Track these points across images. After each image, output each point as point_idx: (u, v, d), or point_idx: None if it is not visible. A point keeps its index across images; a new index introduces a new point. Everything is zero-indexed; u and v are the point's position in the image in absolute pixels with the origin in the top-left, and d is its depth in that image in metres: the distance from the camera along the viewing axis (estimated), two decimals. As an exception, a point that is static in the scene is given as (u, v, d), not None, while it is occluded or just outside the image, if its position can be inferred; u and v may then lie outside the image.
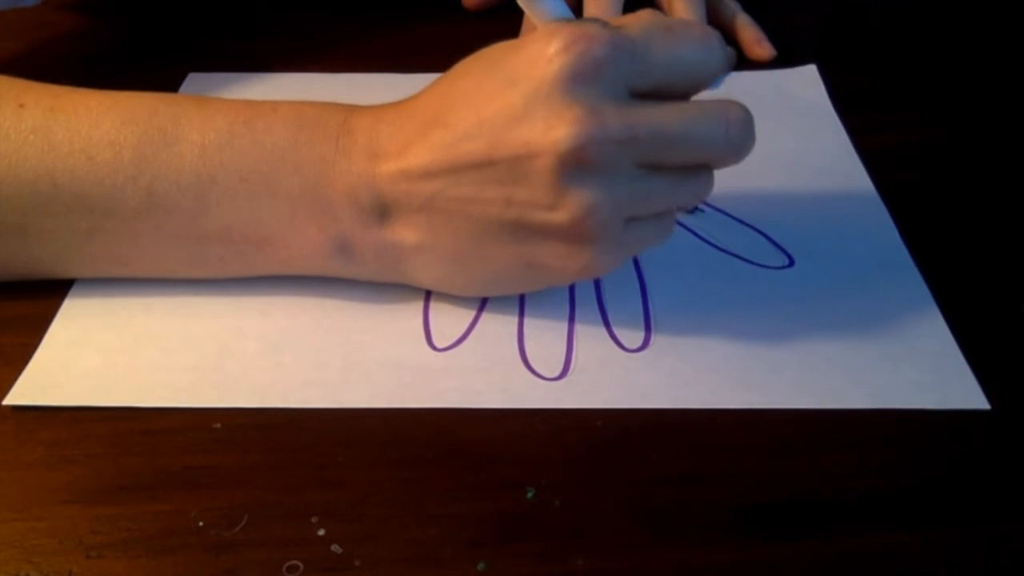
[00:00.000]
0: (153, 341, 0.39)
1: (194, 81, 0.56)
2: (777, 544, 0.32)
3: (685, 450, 0.35)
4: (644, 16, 0.36)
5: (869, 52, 0.61)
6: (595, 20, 0.35)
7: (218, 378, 0.37)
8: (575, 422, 0.36)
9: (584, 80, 0.33)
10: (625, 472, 0.34)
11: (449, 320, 0.40)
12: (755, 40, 0.59)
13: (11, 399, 0.36)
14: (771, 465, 0.34)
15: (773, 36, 0.59)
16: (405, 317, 0.40)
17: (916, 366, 0.38)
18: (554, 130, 0.33)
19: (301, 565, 0.31)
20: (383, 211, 0.37)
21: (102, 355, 0.38)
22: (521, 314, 0.40)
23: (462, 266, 0.38)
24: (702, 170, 0.36)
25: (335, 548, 0.31)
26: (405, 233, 0.37)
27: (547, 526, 0.32)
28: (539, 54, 0.34)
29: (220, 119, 0.38)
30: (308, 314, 0.40)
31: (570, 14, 0.36)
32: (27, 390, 0.36)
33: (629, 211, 0.35)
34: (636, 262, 0.43)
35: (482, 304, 0.41)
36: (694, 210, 0.46)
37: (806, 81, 0.57)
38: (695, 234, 0.45)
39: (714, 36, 0.36)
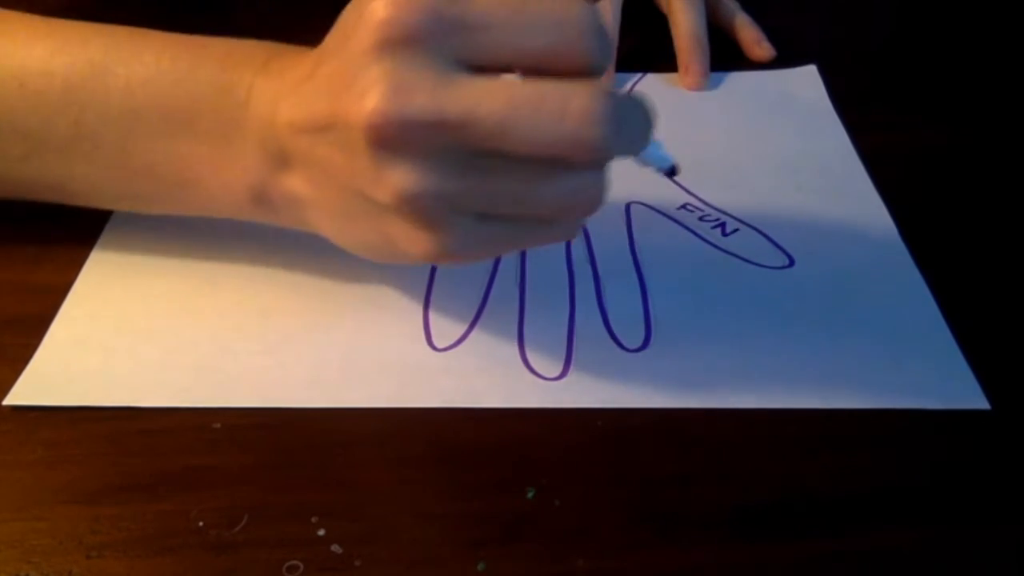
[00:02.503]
0: (153, 341, 0.39)
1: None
2: (777, 544, 0.32)
3: (685, 450, 0.35)
4: None
5: (869, 52, 0.61)
6: None
7: (218, 378, 0.37)
8: (575, 422, 0.36)
9: (397, 48, 0.30)
10: (625, 472, 0.34)
11: (449, 320, 0.40)
12: (755, 40, 0.59)
13: (11, 399, 0.36)
14: (771, 465, 0.34)
15: (773, 36, 0.59)
16: (405, 317, 0.40)
17: (916, 366, 0.38)
18: (360, 102, 0.30)
19: (301, 565, 0.31)
20: (284, 159, 0.36)
21: (102, 355, 0.38)
22: (521, 314, 0.40)
23: (343, 227, 0.36)
24: (575, 169, 0.31)
25: (335, 548, 0.31)
26: (299, 184, 0.36)
27: (547, 526, 0.32)
28: (363, 13, 0.31)
29: (148, 54, 0.38)
30: (308, 314, 0.40)
31: None
32: (27, 390, 0.36)
33: (466, 205, 0.32)
34: (636, 262, 0.43)
35: (482, 304, 0.41)
36: (671, 172, 0.37)
37: (806, 81, 0.57)
38: (695, 234, 0.45)
39: (577, 21, 0.30)
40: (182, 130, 0.37)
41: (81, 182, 0.39)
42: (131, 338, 0.39)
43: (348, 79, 0.31)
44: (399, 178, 0.31)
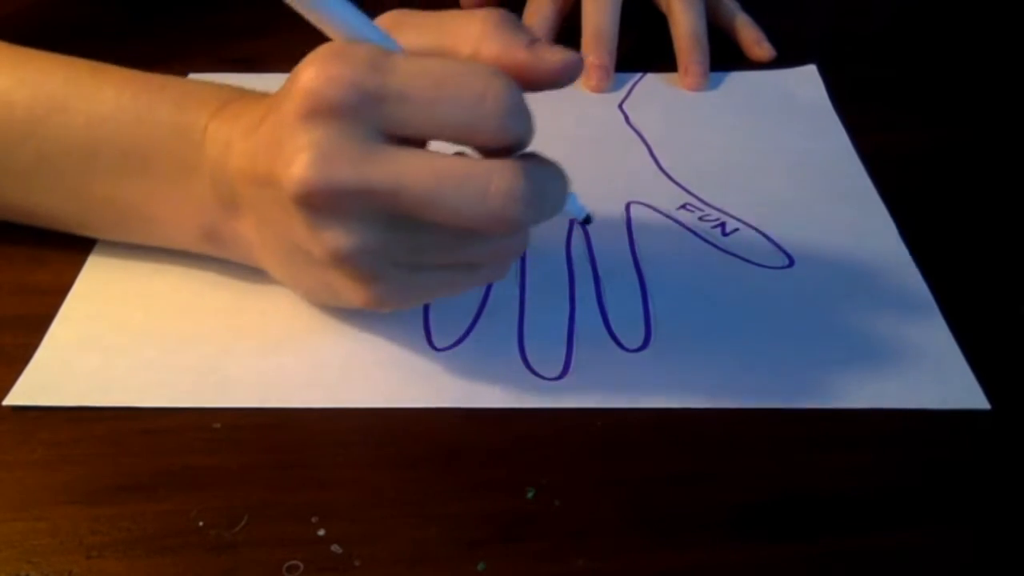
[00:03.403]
0: (153, 341, 0.39)
1: (194, 81, 0.56)
2: (777, 544, 0.32)
3: (685, 450, 0.35)
4: (437, 59, 0.32)
5: (869, 52, 0.61)
6: (360, 54, 0.31)
7: (218, 378, 0.37)
8: (575, 422, 0.36)
9: (320, 119, 0.31)
10: (625, 472, 0.34)
11: (449, 320, 0.40)
12: (755, 41, 0.59)
13: (11, 399, 0.36)
14: (771, 465, 0.34)
15: (773, 36, 0.59)
16: (405, 317, 0.40)
17: (916, 366, 0.38)
18: (288, 168, 0.31)
19: (301, 565, 0.31)
20: (234, 203, 0.37)
21: (102, 355, 0.38)
22: (521, 314, 0.40)
23: (287, 272, 0.38)
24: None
25: (335, 548, 0.31)
26: (247, 228, 0.37)
27: (547, 526, 0.32)
28: (294, 80, 0.32)
29: (109, 89, 0.39)
30: (308, 314, 0.40)
31: (365, 30, 0.32)
32: (27, 390, 0.36)
33: (398, 258, 0.33)
34: (636, 262, 0.43)
35: (482, 304, 0.41)
36: (585, 221, 0.40)
37: (806, 81, 0.57)
38: (695, 234, 0.45)
39: (495, 98, 0.31)
40: (139, 168, 0.38)
41: (43, 209, 0.41)
42: (131, 338, 0.39)
43: (280, 142, 0.32)
44: (330, 238, 0.32)
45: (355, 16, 0.32)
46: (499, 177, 0.31)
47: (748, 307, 0.41)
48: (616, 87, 0.56)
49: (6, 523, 0.32)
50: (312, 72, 0.31)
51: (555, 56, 0.32)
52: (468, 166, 0.31)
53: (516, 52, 0.32)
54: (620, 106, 0.55)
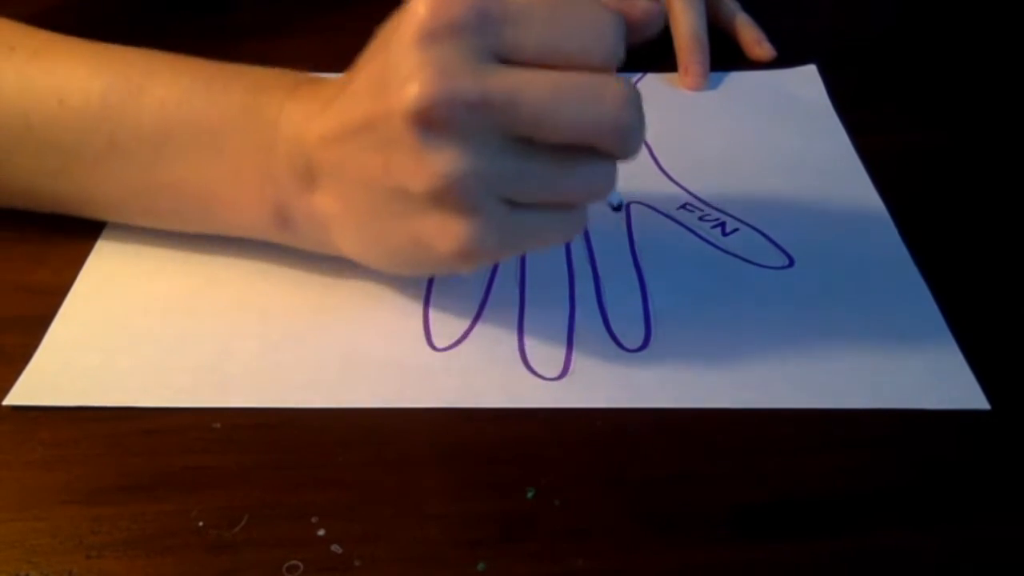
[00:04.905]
0: (153, 341, 0.39)
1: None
2: (777, 544, 0.32)
3: (685, 450, 0.35)
4: None
5: (869, 52, 0.61)
6: None
7: (218, 378, 0.37)
8: (575, 422, 0.36)
9: (439, 39, 0.31)
10: (625, 472, 0.34)
11: (449, 320, 0.40)
12: (755, 40, 0.59)
13: (11, 399, 0.36)
14: (771, 465, 0.34)
15: (773, 36, 0.59)
16: (405, 317, 0.40)
17: (916, 366, 0.38)
18: (404, 88, 0.32)
19: (301, 565, 0.31)
20: (311, 175, 0.37)
21: (102, 355, 0.38)
22: (521, 314, 0.40)
23: (369, 238, 0.37)
24: (595, 158, 0.34)
25: (335, 548, 0.31)
26: (326, 200, 0.37)
27: (547, 526, 0.32)
28: (406, 13, 0.32)
29: (185, 77, 0.39)
30: (308, 314, 0.40)
31: None
32: (27, 390, 0.36)
33: (503, 188, 0.33)
34: (636, 262, 0.43)
35: (482, 304, 0.41)
36: (618, 207, 0.43)
37: (806, 81, 0.57)
38: (695, 234, 0.45)
39: (608, 23, 0.33)
40: (211, 149, 0.38)
41: (108, 197, 0.41)
42: (131, 338, 0.39)
43: (389, 75, 0.32)
44: (440, 160, 0.32)
45: None
46: (612, 85, 0.32)
47: (748, 307, 0.41)
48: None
49: (6, 523, 0.32)
50: (426, 1, 0.32)
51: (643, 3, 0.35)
52: (581, 77, 0.32)
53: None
54: (620, 106, 0.55)
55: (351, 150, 0.34)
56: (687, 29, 0.57)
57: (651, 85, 0.57)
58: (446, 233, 0.34)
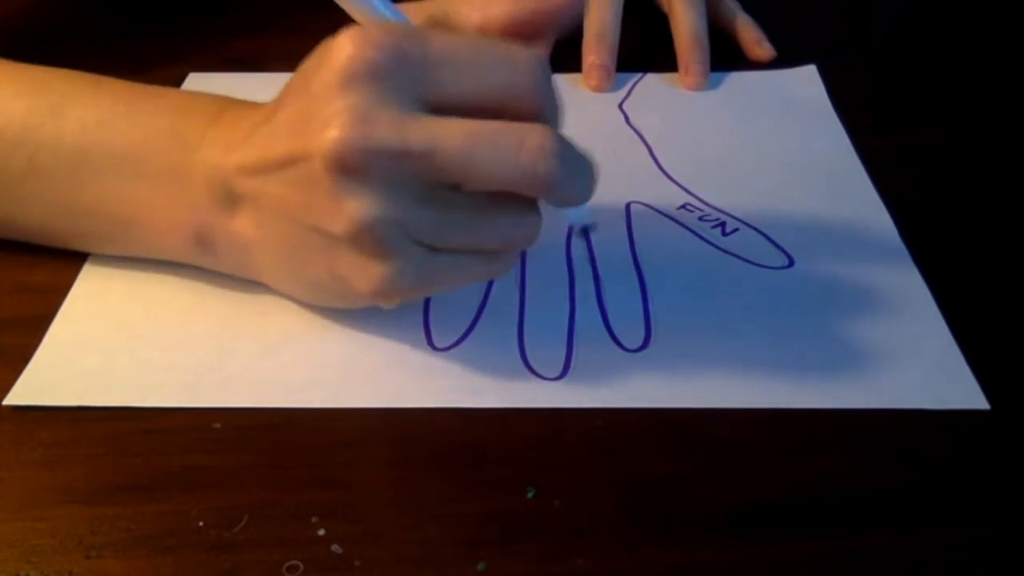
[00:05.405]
0: (153, 341, 0.39)
1: (194, 81, 0.56)
2: (776, 544, 0.32)
3: (685, 450, 0.35)
4: (466, 35, 0.34)
5: (869, 52, 0.61)
6: (398, 26, 0.33)
7: (218, 378, 0.37)
8: (575, 422, 0.36)
9: (359, 83, 0.32)
10: (625, 472, 0.34)
11: (449, 320, 0.40)
12: (755, 41, 0.59)
13: (11, 399, 0.36)
14: (770, 465, 0.34)
15: (773, 36, 0.59)
16: (405, 317, 0.40)
17: (916, 366, 0.38)
18: (323, 132, 0.32)
19: (301, 565, 0.31)
20: (232, 202, 0.37)
21: (102, 355, 0.38)
22: (521, 314, 0.40)
23: (288, 268, 0.37)
24: (520, 205, 0.34)
25: (335, 548, 0.31)
26: (246, 227, 0.37)
27: (547, 526, 0.32)
28: (327, 53, 0.33)
29: (107, 99, 0.39)
30: (308, 314, 0.40)
31: (392, 15, 0.35)
32: (27, 390, 0.36)
33: (420, 235, 0.33)
34: (636, 262, 0.43)
35: (482, 304, 0.41)
36: (585, 230, 0.44)
37: (806, 81, 0.57)
38: (695, 234, 0.45)
39: (527, 64, 0.33)
40: (132, 172, 0.38)
41: (31, 220, 0.41)
42: (131, 338, 0.39)
43: (310, 115, 0.32)
44: (357, 206, 0.32)
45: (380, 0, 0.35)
46: (532, 134, 0.32)
47: (748, 307, 0.41)
48: (616, 87, 0.56)
49: (6, 523, 0.32)
50: (351, 40, 0.32)
51: None
52: (501, 126, 0.32)
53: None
54: (620, 106, 0.55)
55: (270, 183, 0.35)
56: (687, 29, 0.57)
57: (651, 85, 0.57)
58: (363, 273, 0.34)
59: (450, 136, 0.32)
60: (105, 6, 0.64)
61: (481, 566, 0.31)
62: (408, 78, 0.32)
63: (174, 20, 0.63)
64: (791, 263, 0.43)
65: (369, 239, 0.32)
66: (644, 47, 0.59)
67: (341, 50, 0.32)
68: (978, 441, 0.35)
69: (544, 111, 0.33)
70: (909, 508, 0.33)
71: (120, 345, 0.38)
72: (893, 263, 0.43)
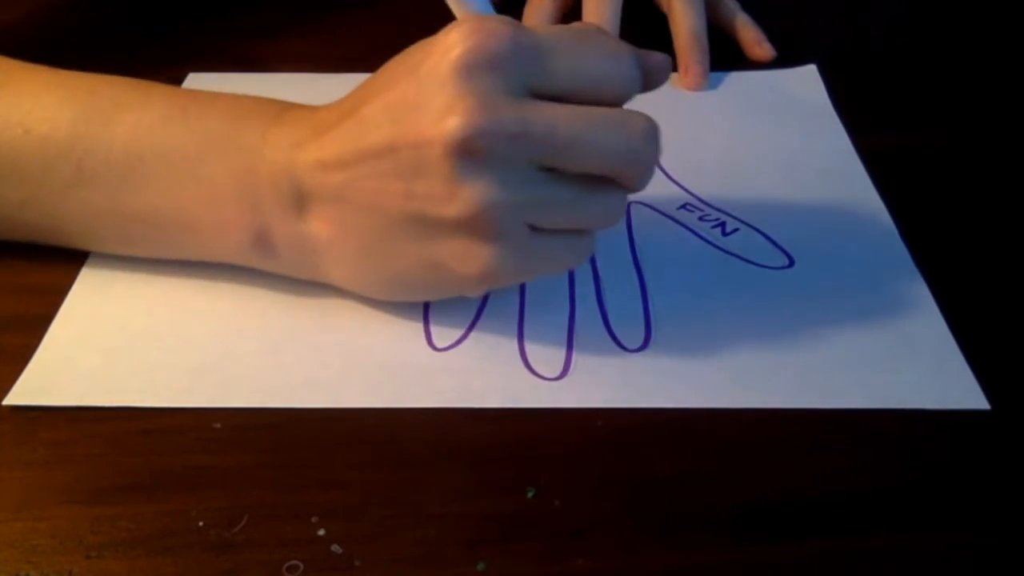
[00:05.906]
0: (153, 341, 0.39)
1: (194, 81, 0.56)
2: (777, 544, 0.32)
3: (685, 450, 0.35)
4: (567, 25, 0.36)
5: (869, 52, 0.61)
6: (507, 19, 0.34)
7: (218, 378, 0.37)
8: (575, 422, 0.36)
9: (479, 71, 0.33)
10: (625, 472, 0.34)
11: (449, 320, 0.40)
12: (755, 41, 0.59)
13: (11, 399, 0.36)
14: (771, 465, 0.34)
15: (773, 36, 0.59)
16: (405, 317, 0.40)
17: (916, 366, 0.38)
18: (446, 119, 0.33)
19: (301, 565, 0.31)
20: (301, 201, 0.37)
21: (102, 355, 0.38)
22: (521, 314, 0.40)
23: (370, 263, 0.37)
24: (611, 188, 0.35)
25: (335, 548, 0.31)
26: (319, 225, 0.37)
27: (547, 526, 0.32)
28: (440, 45, 0.34)
29: (159, 103, 0.39)
30: (308, 314, 0.40)
31: (491, 11, 0.36)
32: (27, 390, 0.36)
33: (530, 215, 0.35)
34: (636, 262, 0.43)
35: (482, 304, 0.41)
36: None
37: (806, 81, 0.57)
38: (695, 234, 0.45)
39: (628, 54, 0.35)
40: (186, 173, 0.38)
41: (78, 226, 0.40)
42: (131, 338, 0.39)
43: (419, 104, 0.33)
44: (476, 189, 0.33)
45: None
46: (636, 119, 0.34)
47: (748, 307, 0.41)
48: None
49: (6, 523, 0.32)
50: (471, 31, 0.33)
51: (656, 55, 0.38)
52: (609, 111, 0.34)
53: None
54: (620, 106, 0.55)
55: (359, 175, 0.35)
56: (687, 29, 0.57)
57: (651, 85, 0.57)
58: (469, 258, 0.35)
59: (566, 120, 0.33)
60: (105, 10, 0.64)
61: (481, 566, 0.31)
62: (522, 67, 0.33)
63: (175, 21, 0.63)
64: (791, 263, 0.43)
65: (484, 221, 0.34)
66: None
67: (461, 41, 0.33)
68: (978, 441, 0.35)
69: (634, 95, 0.36)
70: (909, 508, 0.33)
71: (120, 345, 0.38)
72: (893, 263, 0.43)
